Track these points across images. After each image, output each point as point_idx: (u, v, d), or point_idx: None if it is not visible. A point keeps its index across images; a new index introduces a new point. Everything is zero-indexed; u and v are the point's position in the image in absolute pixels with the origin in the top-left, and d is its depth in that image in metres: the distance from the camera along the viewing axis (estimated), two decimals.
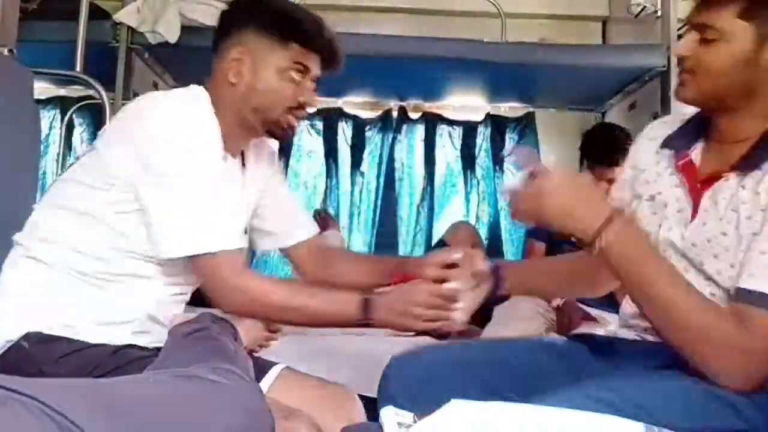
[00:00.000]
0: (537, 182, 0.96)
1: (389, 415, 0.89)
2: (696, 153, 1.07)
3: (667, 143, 1.10)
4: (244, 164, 1.31)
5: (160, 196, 1.08)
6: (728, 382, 0.87)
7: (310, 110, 1.42)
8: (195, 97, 1.17)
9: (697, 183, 1.03)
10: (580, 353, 1.12)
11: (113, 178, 1.10)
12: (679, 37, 2.31)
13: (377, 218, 3.05)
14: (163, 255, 1.10)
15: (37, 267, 1.12)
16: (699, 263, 0.99)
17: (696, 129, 1.08)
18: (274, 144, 1.42)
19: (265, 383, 1.22)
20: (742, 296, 0.90)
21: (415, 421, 0.88)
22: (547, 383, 0.93)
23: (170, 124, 1.10)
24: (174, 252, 1.09)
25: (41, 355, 1.05)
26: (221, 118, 1.17)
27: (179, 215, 1.09)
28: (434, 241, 2.98)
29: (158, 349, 1.19)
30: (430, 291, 1.15)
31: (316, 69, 1.24)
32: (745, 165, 0.96)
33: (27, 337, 1.08)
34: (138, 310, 1.16)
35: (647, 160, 1.14)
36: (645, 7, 2.52)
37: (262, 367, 1.19)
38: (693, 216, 1.01)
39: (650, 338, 1.07)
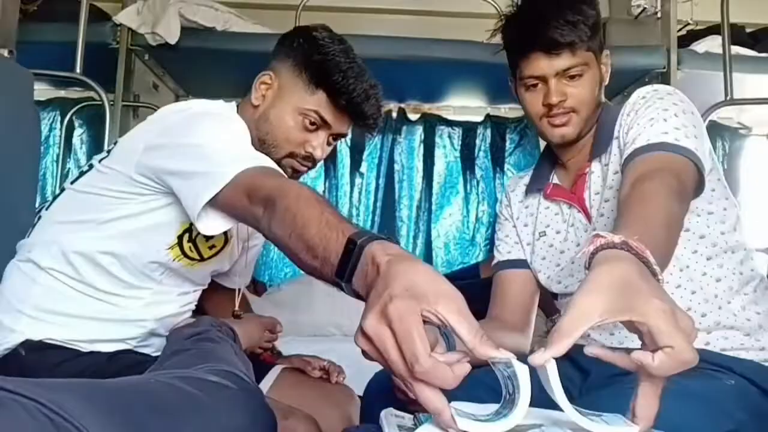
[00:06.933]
0: None
1: (389, 416, 0.89)
2: (555, 178, 1.19)
3: (528, 190, 1.23)
4: None
5: (175, 160, 1.02)
6: None
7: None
8: (220, 104, 1.17)
9: (571, 193, 1.13)
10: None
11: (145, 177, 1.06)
12: (679, 38, 2.32)
13: (377, 219, 3.04)
14: (196, 217, 0.97)
15: (45, 278, 1.11)
16: None
17: (547, 164, 1.21)
18: None
19: (265, 383, 1.22)
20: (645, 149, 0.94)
21: (415, 423, 0.88)
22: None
23: (197, 116, 1.08)
24: (200, 201, 0.95)
25: (37, 364, 1.04)
26: None
27: (192, 165, 0.99)
28: (434, 242, 2.98)
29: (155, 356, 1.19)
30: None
31: (338, 126, 1.17)
32: (597, 151, 1.09)
33: (24, 344, 1.07)
34: (145, 324, 1.16)
35: (517, 211, 1.26)
36: (645, 8, 2.52)
37: (261, 368, 1.20)
38: (589, 220, 1.10)
39: (614, 345, 1.07)
